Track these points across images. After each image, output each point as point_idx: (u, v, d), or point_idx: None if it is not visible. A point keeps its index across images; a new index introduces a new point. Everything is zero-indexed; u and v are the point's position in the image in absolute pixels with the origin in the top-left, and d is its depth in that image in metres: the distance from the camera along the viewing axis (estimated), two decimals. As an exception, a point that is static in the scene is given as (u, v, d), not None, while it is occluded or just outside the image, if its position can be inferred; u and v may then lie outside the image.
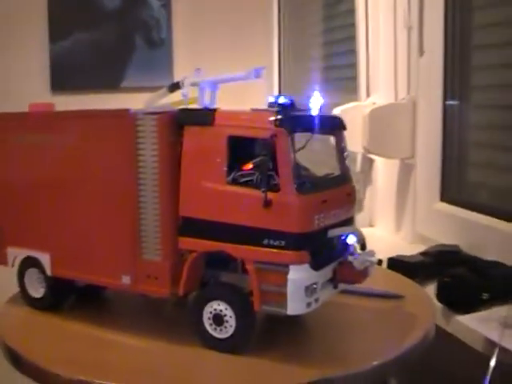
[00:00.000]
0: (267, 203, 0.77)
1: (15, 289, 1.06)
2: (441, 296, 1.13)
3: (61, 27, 2.56)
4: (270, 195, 0.78)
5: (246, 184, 0.81)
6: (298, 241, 0.78)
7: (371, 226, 1.87)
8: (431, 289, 1.15)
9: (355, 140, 1.63)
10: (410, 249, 1.42)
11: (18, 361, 0.88)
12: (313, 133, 0.87)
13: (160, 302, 1.04)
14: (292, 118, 0.80)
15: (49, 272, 0.99)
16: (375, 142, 1.61)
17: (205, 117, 0.84)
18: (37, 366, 0.84)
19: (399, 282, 1.15)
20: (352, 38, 1.91)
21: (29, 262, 1.02)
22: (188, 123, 0.85)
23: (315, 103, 0.87)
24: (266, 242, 0.79)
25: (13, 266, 1.05)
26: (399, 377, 1.46)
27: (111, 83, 2.63)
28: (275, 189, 0.78)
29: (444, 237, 1.44)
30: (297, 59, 2.61)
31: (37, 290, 1.03)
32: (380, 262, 0.89)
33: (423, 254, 1.34)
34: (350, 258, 0.85)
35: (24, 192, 1.02)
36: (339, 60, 2.23)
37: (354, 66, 1.92)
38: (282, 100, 0.82)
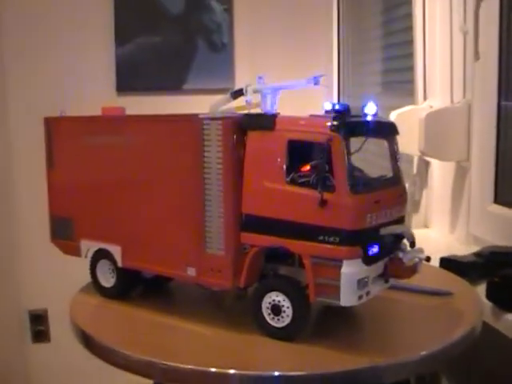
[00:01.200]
0: (323, 203, 0.83)
1: (88, 279, 1.15)
2: (490, 295, 1.16)
3: (126, 31, 2.65)
4: (326, 195, 0.83)
5: (303, 184, 0.87)
6: (351, 237, 0.84)
7: (426, 227, 1.91)
8: (482, 288, 1.18)
9: (412, 143, 1.67)
10: (463, 250, 1.44)
11: (90, 343, 0.96)
12: (367, 137, 0.92)
13: (221, 294, 1.11)
14: (347, 124, 0.85)
15: (119, 263, 1.07)
16: (431, 145, 1.64)
17: (266, 122, 0.90)
18: (107, 348, 0.92)
19: (449, 280, 1.19)
20: (410, 42, 1.94)
21: (101, 254, 1.10)
22: (251, 128, 0.92)
23: (370, 109, 0.93)
24: (321, 238, 0.85)
25: (86, 257, 1.13)
26: (448, 374, 1.50)
27: (174, 85, 2.71)
28: (331, 189, 0.84)
29: (497, 238, 1.46)
30: (356, 63, 2.65)
31: (107, 280, 1.11)
32: (428, 258, 0.94)
33: (476, 254, 1.37)
34: (400, 255, 0.91)
35: (97, 189, 1.10)
36: (398, 63, 2.26)
37: (412, 69, 1.95)
38: (337, 107, 0.87)
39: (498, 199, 1.55)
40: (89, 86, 2.63)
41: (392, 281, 0.93)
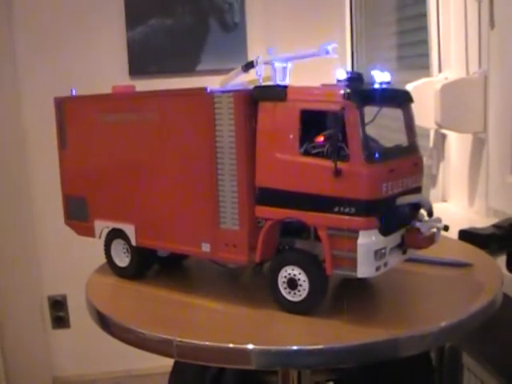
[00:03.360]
0: (337, 172, 0.82)
1: (103, 260, 1.14)
2: (510, 265, 1.14)
3: (137, 13, 2.64)
4: (340, 165, 0.82)
5: (317, 155, 0.85)
6: (367, 207, 0.82)
7: (444, 201, 1.89)
8: (502, 260, 1.16)
9: (427, 116, 1.65)
10: (483, 223, 1.42)
11: (105, 322, 0.96)
12: (381, 106, 0.90)
13: (237, 270, 1.10)
14: (360, 92, 0.84)
15: (133, 242, 1.06)
16: (447, 117, 1.62)
17: (278, 93, 0.88)
18: (122, 326, 0.91)
19: (469, 252, 1.18)
20: (424, 15, 1.91)
21: (114, 234, 1.10)
22: (262, 99, 0.90)
23: (383, 78, 0.91)
24: (336, 209, 0.83)
25: (100, 238, 1.12)
26: (468, 350, 1.48)
27: (187, 67, 2.69)
28: (345, 159, 0.82)
29: (517, 210, 1.44)
30: (370, 38, 2.62)
31: (122, 260, 1.10)
32: (446, 227, 0.92)
33: (495, 226, 1.35)
34: (418, 224, 0.89)
35: (109, 168, 1.09)
36: (412, 37, 2.23)
37: (426, 42, 1.92)
38: (350, 74, 0.85)
39: (517, 170, 1.52)
40: (101, 70, 2.62)
41: (410, 253, 0.92)
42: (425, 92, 1.67)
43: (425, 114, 1.64)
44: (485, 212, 1.62)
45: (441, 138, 1.90)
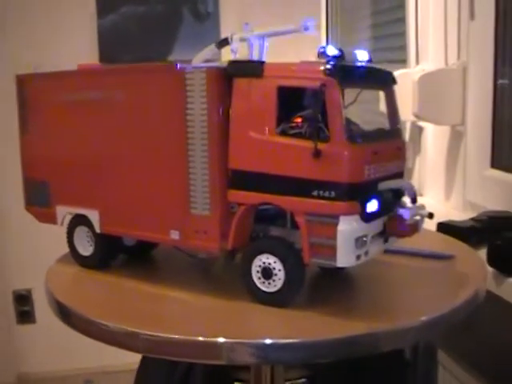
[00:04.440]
0: (317, 153, 0.76)
1: (65, 248, 1.07)
2: (492, 259, 1.11)
3: (109, 1, 2.58)
4: (320, 145, 0.76)
5: (295, 135, 0.80)
6: (348, 191, 0.77)
7: (420, 194, 1.85)
8: (483, 253, 1.13)
9: (405, 108, 1.60)
10: (460, 217, 1.39)
11: (66, 314, 0.89)
12: (363, 85, 0.85)
13: (208, 260, 1.04)
14: (342, 68, 0.78)
15: (98, 229, 1.00)
16: (425, 109, 1.58)
17: (254, 68, 0.83)
18: (85, 319, 0.85)
19: (450, 244, 1.14)
20: (399, 7, 1.88)
21: (78, 220, 1.03)
22: (237, 75, 0.84)
23: (362, 56, 0.86)
24: (315, 193, 0.78)
25: (62, 224, 1.06)
26: (443, 346, 1.45)
27: (159, 56, 2.64)
28: (325, 139, 0.77)
29: (494, 203, 1.41)
30: (344, 30, 2.59)
31: (86, 249, 1.04)
32: (431, 215, 0.87)
33: (474, 219, 1.32)
34: (401, 211, 0.84)
35: (72, 150, 1.02)
36: (387, 29, 2.20)
37: (402, 35, 1.89)
38: (331, 50, 0.80)
39: (495, 164, 1.50)
40: (71, 57, 2.51)
41: (392, 242, 0.87)
42: (402, 83, 1.62)
43: (402, 105, 1.60)
44: (462, 206, 1.60)
45: (417, 131, 1.86)
